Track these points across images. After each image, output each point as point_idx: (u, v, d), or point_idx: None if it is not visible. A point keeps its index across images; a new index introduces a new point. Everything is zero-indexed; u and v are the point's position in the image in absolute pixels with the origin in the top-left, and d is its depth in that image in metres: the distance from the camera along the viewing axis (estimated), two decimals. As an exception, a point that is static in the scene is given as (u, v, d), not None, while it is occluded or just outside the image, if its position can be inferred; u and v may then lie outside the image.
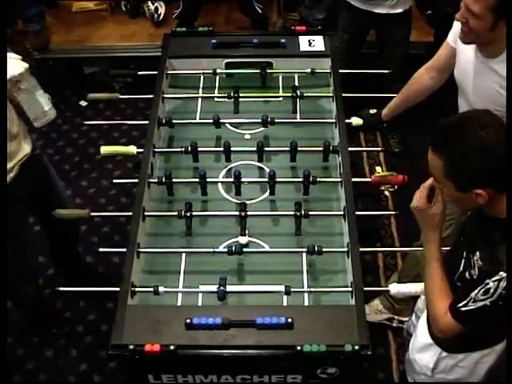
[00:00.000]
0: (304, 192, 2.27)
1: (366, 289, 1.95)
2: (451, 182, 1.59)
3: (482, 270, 1.61)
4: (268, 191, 2.29)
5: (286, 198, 2.28)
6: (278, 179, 2.26)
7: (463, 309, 1.63)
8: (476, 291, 1.60)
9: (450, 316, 1.67)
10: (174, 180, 2.26)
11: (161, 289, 1.97)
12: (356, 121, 2.48)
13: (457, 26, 2.13)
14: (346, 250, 2.07)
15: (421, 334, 2.00)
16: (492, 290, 1.57)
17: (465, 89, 2.23)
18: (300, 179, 2.26)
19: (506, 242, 1.55)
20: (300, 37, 2.75)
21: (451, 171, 1.57)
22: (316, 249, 2.04)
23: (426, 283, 1.79)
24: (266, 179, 2.26)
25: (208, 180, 2.27)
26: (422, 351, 1.99)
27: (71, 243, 2.94)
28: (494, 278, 1.56)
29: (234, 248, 2.04)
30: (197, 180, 2.27)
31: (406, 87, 2.50)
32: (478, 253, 1.64)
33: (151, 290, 1.97)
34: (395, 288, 1.99)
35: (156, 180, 2.27)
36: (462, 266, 1.71)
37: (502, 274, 1.55)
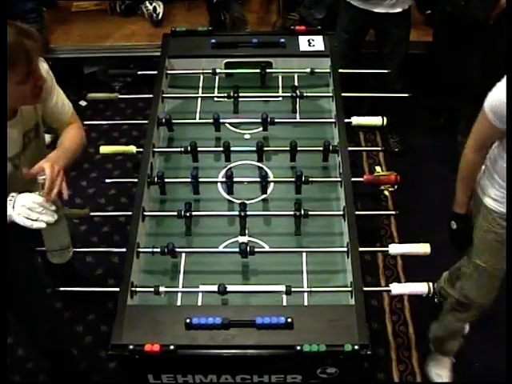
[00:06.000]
0: (296, 192, 2.27)
1: (365, 289, 1.95)
2: None
3: None
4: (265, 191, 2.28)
5: (286, 197, 2.28)
6: (276, 179, 2.25)
7: None
8: None
9: None
10: (166, 180, 2.26)
11: (161, 289, 1.97)
12: (356, 121, 2.48)
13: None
14: (345, 249, 2.07)
15: None
16: None
17: None
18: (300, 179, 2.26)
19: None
20: (299, 37, 2.75)
21: None
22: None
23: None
24: (265, 179, 2.26)
25: (201, 180, 2.27)
26: None
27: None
28: None
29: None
30: (189, 180, 2.26)
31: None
32: None
33: (151, 290, 1.97)
34: (396, 289, 1.99)
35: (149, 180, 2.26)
36: None
37: None
